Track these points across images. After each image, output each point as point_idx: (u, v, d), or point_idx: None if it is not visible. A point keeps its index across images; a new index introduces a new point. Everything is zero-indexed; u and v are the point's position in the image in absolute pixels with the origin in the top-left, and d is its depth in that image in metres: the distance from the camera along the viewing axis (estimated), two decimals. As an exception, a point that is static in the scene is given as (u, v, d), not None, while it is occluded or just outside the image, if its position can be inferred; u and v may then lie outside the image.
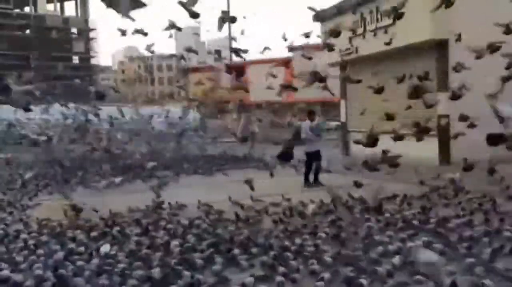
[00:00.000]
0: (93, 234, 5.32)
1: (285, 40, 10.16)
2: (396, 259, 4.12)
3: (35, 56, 70.13)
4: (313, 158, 9.57)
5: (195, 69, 53.91)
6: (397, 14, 5.83)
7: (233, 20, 5.60)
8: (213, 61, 49.20)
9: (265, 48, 11.77)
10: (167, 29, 6.16)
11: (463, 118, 5.79)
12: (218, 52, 29.68)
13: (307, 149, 9.75)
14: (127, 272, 3.97)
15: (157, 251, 4.53)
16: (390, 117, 6.07)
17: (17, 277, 3.93)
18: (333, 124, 27.00)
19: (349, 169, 9.65)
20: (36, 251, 4.71)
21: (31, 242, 5.07)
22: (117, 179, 8.19)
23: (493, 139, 4.61)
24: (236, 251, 4.49)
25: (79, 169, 11.02)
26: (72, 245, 4.85)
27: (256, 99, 42.20)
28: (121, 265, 4.12)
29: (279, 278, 3.82)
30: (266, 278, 3.91)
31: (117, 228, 5.51)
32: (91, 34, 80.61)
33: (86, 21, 78.67)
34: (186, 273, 3.89)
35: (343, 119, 15.65)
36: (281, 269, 4.01)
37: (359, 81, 7.42)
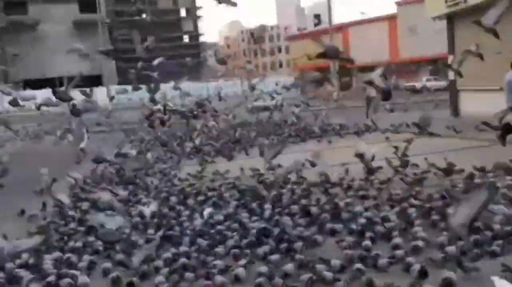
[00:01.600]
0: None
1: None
2: None
3: (151, 38, 76.38)
4: None
5: (295, 36, 53.52)
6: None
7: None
8: (313, 27, 48.45)
9: (362, 13, 11.47)
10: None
11: None
12: (317, 16, 30.21)
13: None
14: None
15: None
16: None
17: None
18: (442, 83, 25.15)
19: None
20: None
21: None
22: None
23: None
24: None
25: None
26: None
27: (357, 62, 40.60)
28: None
29: None
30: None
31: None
32: (198, 13, 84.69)
33: (193, 0, 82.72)
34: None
35: (451, 76, 14.55)
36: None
37: (480, 56, 6.77)
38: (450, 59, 14.43)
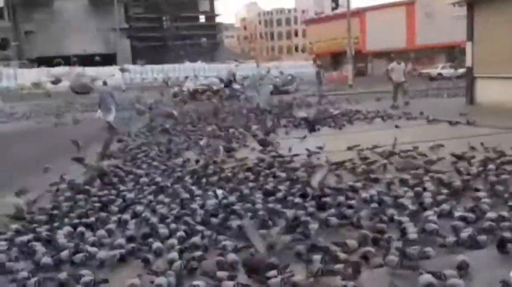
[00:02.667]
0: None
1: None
2: None
3: (167, 17, 76.00)
4: None
5: (312, 20, 52.71)
6: None
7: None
8: (331, 11, 47.68)
9: None
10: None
11: None
12: (335, 0, 29.34)
13: None
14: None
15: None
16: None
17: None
18: (460, 71, 24.49)
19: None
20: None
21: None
22: None
23: None
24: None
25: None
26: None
27: (373, 47, 39.95)
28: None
29: None
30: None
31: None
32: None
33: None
34: None
35: (469, 63, 14.16)
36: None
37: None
38: (468, 46, 14.04)
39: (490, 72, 13.03)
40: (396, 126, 9.70)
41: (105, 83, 15.77)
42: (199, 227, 4.00)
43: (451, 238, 3.45)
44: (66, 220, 4.44)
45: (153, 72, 50.57)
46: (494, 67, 12.60)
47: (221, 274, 3.09)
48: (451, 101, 15.54)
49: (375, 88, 23.76)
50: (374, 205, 4.34)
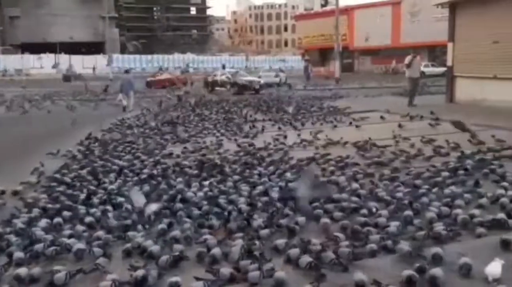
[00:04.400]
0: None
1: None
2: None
3: (158, 8, 75.35)
4: None
5: (302, 16, 52.95)
6: None
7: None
8: (319, 7, 47.87)
9: None
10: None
11: None
12: None
13: None
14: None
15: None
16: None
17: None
18: (441, 70, 24.91)
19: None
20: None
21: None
22: None
23: None
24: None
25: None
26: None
27: (360, 44, 40.58)
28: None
29: None
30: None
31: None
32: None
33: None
34: None
35: (449, 63, 14.55)
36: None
37: None
38: (449, 46, 14.41)
39: (469, 72, 13.35)
40: (381, 117, 10.06)
41: (127, 71, 17.65)
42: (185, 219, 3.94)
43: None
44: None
45: (142, 62, 50.36)
46: (473, 67, 12.93)
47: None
48: (432, 99, 15.87)
49: (361, 83, 24.25)
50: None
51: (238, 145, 7.27)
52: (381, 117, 10.19)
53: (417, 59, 13.57)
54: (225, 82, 21.97)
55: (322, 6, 44.32)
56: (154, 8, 76.17)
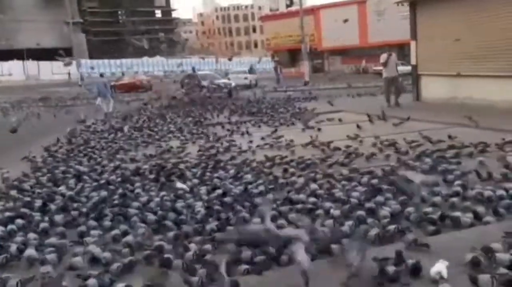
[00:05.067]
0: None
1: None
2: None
3: (123, 12, 74.18)
4: None
5: (269, 17, 53.37)
6: None
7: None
8: (285, 8, 48.33)
9: None
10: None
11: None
12: None
13: None
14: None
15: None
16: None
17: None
18: (409, 68, 25.71)
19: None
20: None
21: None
22: None
23: None
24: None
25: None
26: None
27: (328, 44, 40.94)
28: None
29: None
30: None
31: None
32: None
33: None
34: None
35: (413, 61, 14.96)
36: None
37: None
38: (412, 44, 14.93)
39: (433, 70, 13.61)
40: (340, 120, 10.51)
41: (101, 75, 17.71)
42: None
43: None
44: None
45: (111, 67, 49.72)
46: (436, 65, 13.29)
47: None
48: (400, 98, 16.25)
49: (329, 84, 24.54)
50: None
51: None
52: (339, 120, 10.36)
53: (392, 57, 13.24)
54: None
55: (287, 6, 44.47)
56: (119, 12, 74.98)
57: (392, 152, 6.49)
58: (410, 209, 3.96)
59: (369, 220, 3.81)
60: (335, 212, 4.00)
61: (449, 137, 7.20)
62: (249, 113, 12.69)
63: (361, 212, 3.93)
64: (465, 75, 12.25)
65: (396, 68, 13.29)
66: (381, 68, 14.83)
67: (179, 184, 5.05)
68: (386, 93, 13.33)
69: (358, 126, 8.80)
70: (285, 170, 5.63)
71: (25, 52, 46.54)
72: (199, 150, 7.30)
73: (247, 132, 9.16)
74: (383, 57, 13.32)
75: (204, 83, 20.33)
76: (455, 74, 12.55)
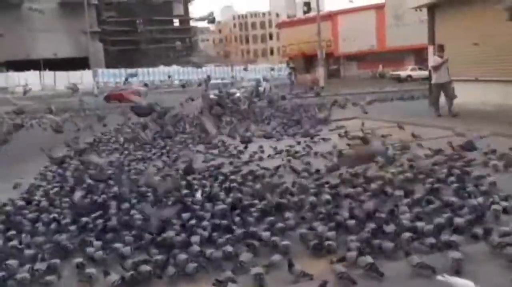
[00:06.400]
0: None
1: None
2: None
3: (141, 21, 75.24)
4: None
5: (286, 23, 53.29)
6: None
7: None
8: (302, 14, 48.20)
9: (350, 1, 11.30)
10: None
11: None
12: (307, 4, 30.17)
13: None
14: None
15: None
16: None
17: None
18: (426, 73, 25.17)
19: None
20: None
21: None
22: None
23: None
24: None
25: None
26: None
27: (345, 50, 40.81)
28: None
29: None
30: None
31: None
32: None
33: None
34: None
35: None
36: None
37: None
38: (430, 49, 14.46)
39: (451, 75, 13.43)
40: (363, 124, 9.98)
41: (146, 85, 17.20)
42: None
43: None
44: None
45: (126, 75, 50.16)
46: (454, 70, 12.73)
47: None
48: (416, 103, 15.81)
49: (344, 90, 24.20)
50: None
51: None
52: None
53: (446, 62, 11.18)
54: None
55: (305, 12, 44.42)
56: (137, 21, 76.10)
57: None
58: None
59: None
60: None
61: None
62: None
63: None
64: (481, 80, 11.97)
65: (448, 73, 11.34)
66: (399, 73, 14.37)
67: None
68: (436, 101, 11.57)
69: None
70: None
71: (42, 62, 47.31)
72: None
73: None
74: (436, 60, 11.56)
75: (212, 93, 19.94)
76: (473, 79, 12.17)
